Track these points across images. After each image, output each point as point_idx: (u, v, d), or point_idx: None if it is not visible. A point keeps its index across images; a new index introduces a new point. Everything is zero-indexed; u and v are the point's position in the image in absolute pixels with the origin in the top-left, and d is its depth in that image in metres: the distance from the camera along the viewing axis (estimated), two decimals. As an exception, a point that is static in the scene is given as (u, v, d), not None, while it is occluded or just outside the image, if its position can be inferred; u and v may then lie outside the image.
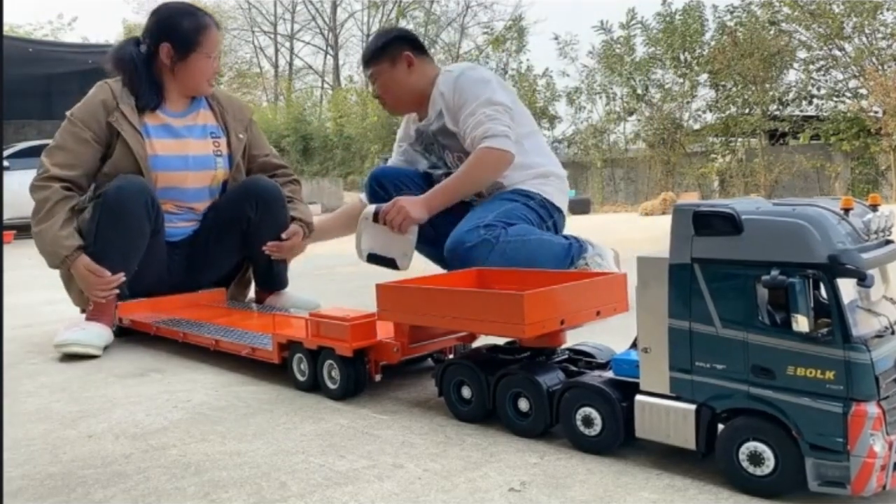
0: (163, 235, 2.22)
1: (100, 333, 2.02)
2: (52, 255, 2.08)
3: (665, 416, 1.00)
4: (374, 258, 2.14)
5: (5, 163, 8.76)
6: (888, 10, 11.69)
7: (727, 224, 0.92)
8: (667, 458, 1.06)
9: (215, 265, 2.37)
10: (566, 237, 2.27)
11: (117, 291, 2.10)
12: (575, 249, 2.19)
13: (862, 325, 0.88)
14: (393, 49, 2.32)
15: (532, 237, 2.14)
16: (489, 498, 0.97)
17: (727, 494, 0.94)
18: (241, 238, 2.31)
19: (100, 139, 2.16)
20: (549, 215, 2.32)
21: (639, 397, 1.03)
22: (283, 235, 2.31)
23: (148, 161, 2.17)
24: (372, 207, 2.11)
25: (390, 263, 2.15)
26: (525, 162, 2.27)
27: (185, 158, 2.26)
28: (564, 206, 2.40)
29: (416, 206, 2.07)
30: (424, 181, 2.42)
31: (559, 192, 2.37)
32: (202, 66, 2.23)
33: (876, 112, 11.71)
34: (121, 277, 2.07)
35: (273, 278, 2.41)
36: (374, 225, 2.09)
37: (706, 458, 0.99)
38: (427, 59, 2.39)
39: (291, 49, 29.71)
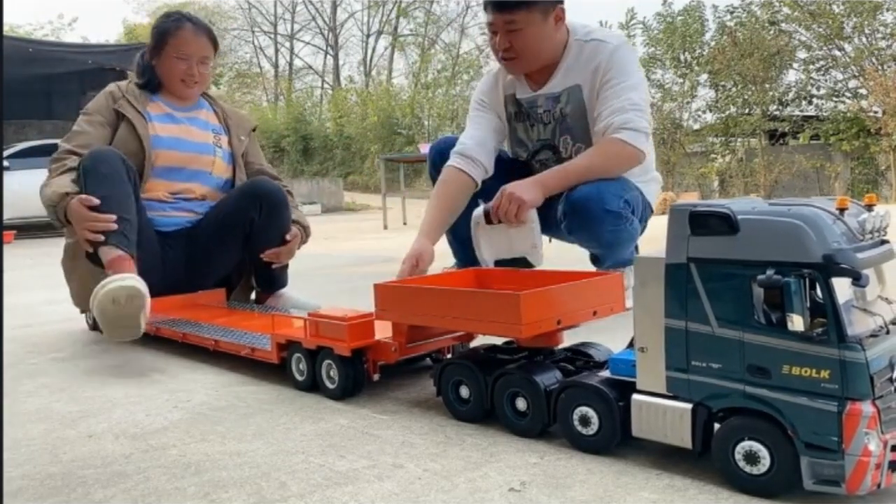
0: (144, 216, 2.18)
1: (137, 278, 1.84)
2: (50, 200, 2.06)
3: (662, 415, 1.00)
4: (501, 263, 1.92)
5: (5, 163, 8.77)
6: (888, 10, 11.70)
7: (723, 224, 0.92)
8: (666, 458, 1.06)
9: (216, 265, 2.37)
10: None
11: (113, 227, 1.95)
12: (630, 260, 2.14)
13: (857, 325, 0.88)
14: None
15: (636, 239, 2.11)
16: (489, 498, 0.97)
17: (727, 494, 0.94)
18: (244, 239, 2.32)
19: (110, 122, 2.27)
20: (643, 219, 2.21)
21: (635, 396, 1.03)
22: (288, 237, 2.32)
23: (150, 139, 2.25)
24: (481, 209, 1.92)
25: (522, 262, 1.91)
26: (646, 161, 2.12)
27: (184, 141, 2.33)
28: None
29: (528, 190, 1.87)
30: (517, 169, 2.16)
31: (654, 196, 2.27)
32: (171, 65, 2.31)
33: (876, 112, 11.72)
34: (112, 218, 1.96)
35: (273, 279, 2.42)
36: (490, 227, 1.90)
37: (702, 457, 1.00)
38: None
39: (291, 49, 29.75)
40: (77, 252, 2.13)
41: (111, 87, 2.35)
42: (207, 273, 2.38)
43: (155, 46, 2.33)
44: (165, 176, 2.29)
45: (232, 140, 2.45)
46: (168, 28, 2.31)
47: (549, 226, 2.19)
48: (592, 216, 1.94)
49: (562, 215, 2.02)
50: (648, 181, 2.23)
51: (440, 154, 2.29)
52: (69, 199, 2.02)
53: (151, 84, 2.36)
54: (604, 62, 2.02)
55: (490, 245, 1.92)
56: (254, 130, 2.57)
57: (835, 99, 12.86)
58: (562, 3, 2.07)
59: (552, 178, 1.96)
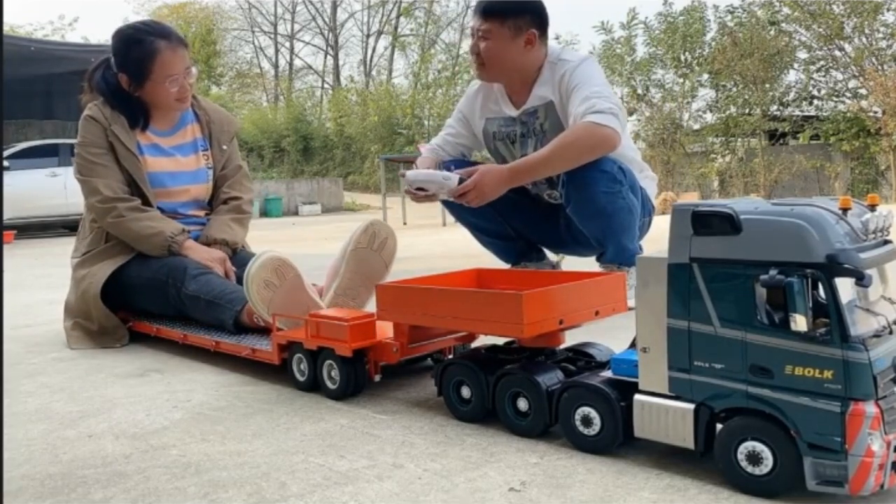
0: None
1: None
2: (157, 235, 2.07)
3: (664, 415, 1.00)
4: (419, 189, 2.10)
5: (5, 163, 8.77)
6: (888, 10, 11.70)
7: (726, 224, 0.92)
8: (667, 458, 1.06)
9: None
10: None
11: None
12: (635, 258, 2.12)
13: (860, 325, 0.88)
14: (521, 19, 2.15)
15: (634, 216, 2.12)
16: (489, 498, 0.97)
17: (727, 494, 0.94)
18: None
19: (112, 157, 2.15)
20: (645, 213, 2.24)
21: (637, 397, 1.03)
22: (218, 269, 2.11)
23: (147, 180, 2.15)
24: (455, 179, 2.03)
25: (432, 197, 2.12)
26: (629, 154, 2.21)
27: (177, 175, 2.23)
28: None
29: (495, 189, 2.03)
30: None
31: (652, 194, 2.31)
32: (161, 90, 2.14)
33: (876, 112, 11.73)
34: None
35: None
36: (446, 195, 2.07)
37: (705, 458, 1.00)
38: (544, 42, 2.23)
39: (291, 49, 29.76)
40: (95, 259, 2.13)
41: (93, 111, 2.15)
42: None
43: (137, 76, 2.13)
44: (167, 209, 2.20)
45: (214, 153, 2.31)
46: (148, 55, 2.10)
47: (558, 241, 2.40)
48: (587, 177, 2.03)
49: (562, 187, 2.13)
50: (644, 178, 2.28)
51: None
52: (185, 237, 2.10)
53: (141, 121, 2.18)
54: (567, 73, 2.15)
55: (430, 187, 2.06)
56: (235, 136, 2.41)
57: (835, 99, 12.87)
58: (537, 29, 2.18)
59: (521, 173, 2.06)
